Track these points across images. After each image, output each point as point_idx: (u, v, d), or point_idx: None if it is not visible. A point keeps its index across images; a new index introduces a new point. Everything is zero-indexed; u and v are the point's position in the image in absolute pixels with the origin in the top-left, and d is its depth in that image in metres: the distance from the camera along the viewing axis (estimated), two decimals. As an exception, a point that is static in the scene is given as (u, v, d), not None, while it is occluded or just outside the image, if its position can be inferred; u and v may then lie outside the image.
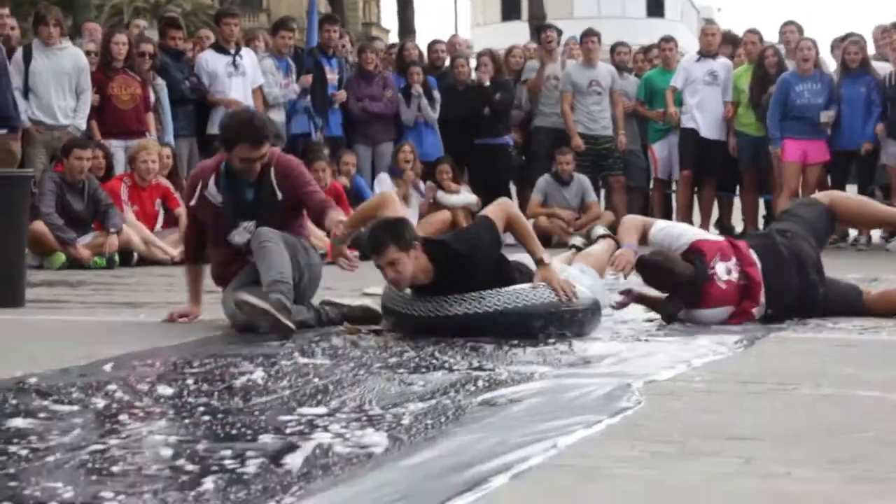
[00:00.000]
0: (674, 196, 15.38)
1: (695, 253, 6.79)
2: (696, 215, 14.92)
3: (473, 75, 15.02)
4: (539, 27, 16.17)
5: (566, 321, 6.24)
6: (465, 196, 13.99)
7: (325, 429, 3.98)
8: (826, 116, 13.35)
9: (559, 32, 15.79)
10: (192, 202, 7.01)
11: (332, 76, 14.01)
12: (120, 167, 12.21)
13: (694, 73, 14.31)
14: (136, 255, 11.30)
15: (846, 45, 13.80)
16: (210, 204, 6.85)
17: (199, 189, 6.93)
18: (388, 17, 37.55)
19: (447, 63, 15.35)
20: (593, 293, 6.54)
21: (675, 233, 7.21)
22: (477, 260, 6.29)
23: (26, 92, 12.01)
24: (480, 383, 4.84)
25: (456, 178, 14.04)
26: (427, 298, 6.29)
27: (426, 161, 14.14)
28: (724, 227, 14.73)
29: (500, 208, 6.60)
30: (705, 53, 14.56)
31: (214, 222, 6.91)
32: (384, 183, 13.74)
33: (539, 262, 6.45)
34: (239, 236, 6.37)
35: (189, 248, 7.33)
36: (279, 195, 6.79)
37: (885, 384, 4.82)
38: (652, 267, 6.80)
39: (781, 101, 13.47)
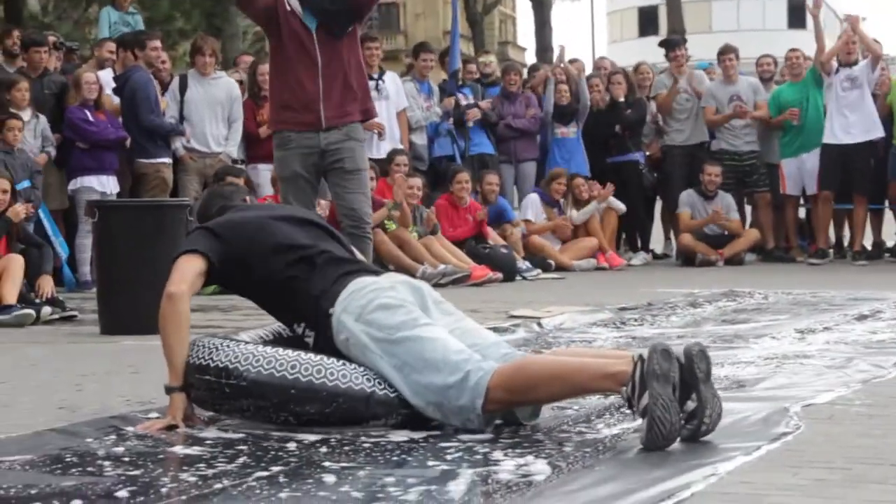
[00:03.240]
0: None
1: None
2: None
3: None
4: (667, 44, 16.00)
5: None
6: (592, 207, 13.97)
7: (485, 455, 3.97)
8: None
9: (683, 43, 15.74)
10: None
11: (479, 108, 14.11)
12: (265, 190, 12.38)
13: (838, 84, 14.05)
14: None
15: None
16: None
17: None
18: (525, 36, 37.58)
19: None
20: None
21: None
22: None
23: (181, 120, 12.26)
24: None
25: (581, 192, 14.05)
26: None
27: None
28: (875, 243, 14.52)
29: None
30: (843, 63, 14.25)
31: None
32: (534, 205, 13.81)
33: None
34: None
35: None
36: None
37: None
38: None
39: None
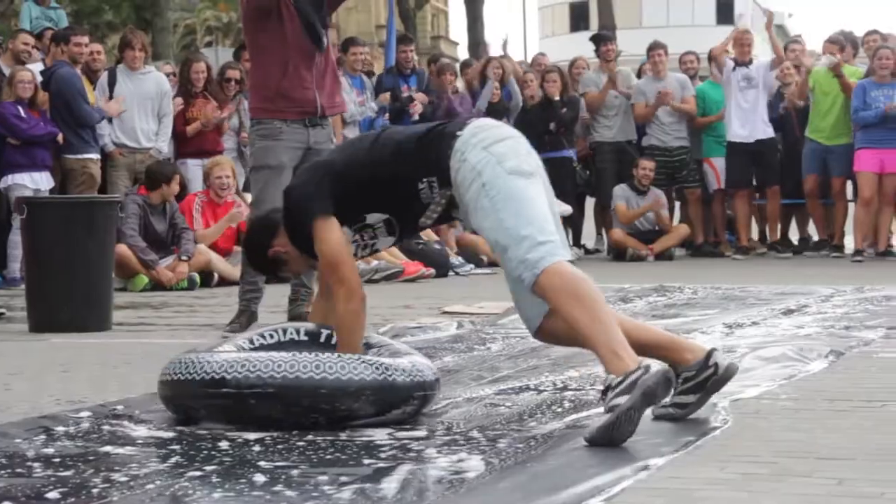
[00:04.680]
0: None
1: None
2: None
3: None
4: (597, 39, 16.11)
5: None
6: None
7: (419, 453, 3.98)
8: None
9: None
10: None
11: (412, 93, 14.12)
12: (195, 186, 12.35)
13: (737, 81, 14.26)
14: (216, 275, 11.40)
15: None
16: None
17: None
18: (457, 30, 37.61)
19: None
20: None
21: None
22: None
23: (105, 117, 12.17)
24: (566, 404, 4.84)
25: None
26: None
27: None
28: (801, 238, 14.69)
29: None
30: (740, 62, 14.44)
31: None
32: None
33: None
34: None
35: None
36: None
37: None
38: None
39: (858, 108, 13.43)
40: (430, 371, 4.61)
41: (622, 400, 4.00)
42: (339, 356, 4.54)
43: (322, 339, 4.92)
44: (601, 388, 4.19)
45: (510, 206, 4.40)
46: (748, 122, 14.15)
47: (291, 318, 7.43)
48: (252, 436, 4.24)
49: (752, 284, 10.29)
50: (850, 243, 14.19)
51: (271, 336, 5.03)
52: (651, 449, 3.97)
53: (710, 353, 4.46)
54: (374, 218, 4.82)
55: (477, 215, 4.49)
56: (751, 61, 14.46)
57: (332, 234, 4.73)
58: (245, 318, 7.47)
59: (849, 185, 14.36)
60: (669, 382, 4.13)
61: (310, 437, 4.23)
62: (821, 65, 14.23)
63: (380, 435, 4.24)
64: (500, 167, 4.44)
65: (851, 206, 14.38)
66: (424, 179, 4.61)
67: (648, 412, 4.46)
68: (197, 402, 4.49)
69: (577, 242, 15.34)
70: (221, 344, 4.94)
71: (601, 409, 4.28)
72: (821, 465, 3.73)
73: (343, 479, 3.61)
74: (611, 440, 3.98)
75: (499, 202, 4.41)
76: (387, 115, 13.80)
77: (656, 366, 4.13)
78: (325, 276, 4.89)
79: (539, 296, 4.42)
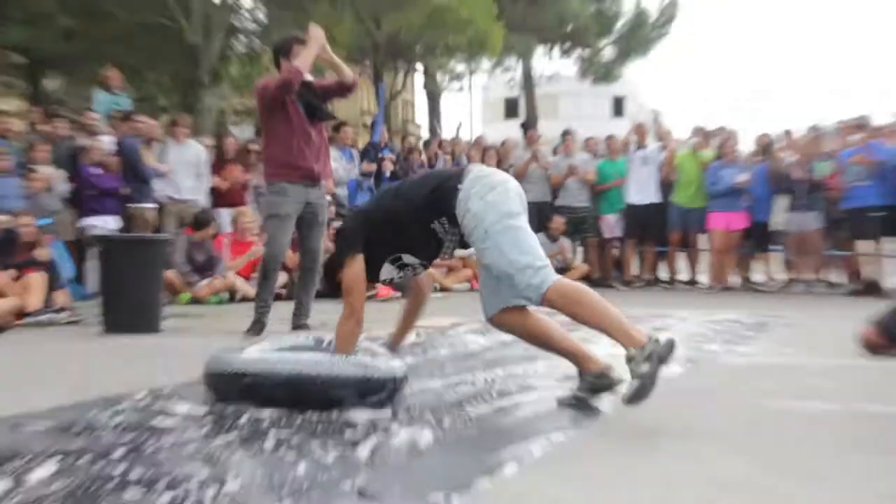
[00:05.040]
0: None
1: None
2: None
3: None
4: (524, 126, 16.31)
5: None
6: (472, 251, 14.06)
7: (386, 429, 3.99)
8: (738, 178, 13.41)
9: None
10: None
11: (389, 163, 14.16)
12: (225, 228, 12.34)
13: (635, 161, 14.41)
14: (239, 294, 11.39)
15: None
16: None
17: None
18: (421, 117, 37.67)
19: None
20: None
21: None
22: None
23: (160, 175, 12.18)
24: (493, 394, 4.84)
25: None
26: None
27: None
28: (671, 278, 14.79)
29: None
30: (640, 146, 14.60)
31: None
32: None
33: None
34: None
35: None
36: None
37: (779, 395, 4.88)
38: None
39: (711, 181, 13.60)
40: (401, 369, 4.59)
41: (645, 367, 4.02)
42: (332, 357, 4.54)
43: (323, 345, 4.91)
44: (624, 357, 4.14)
45: (508, 242, 4.35)
46: (642, 190, 14.26)
47: (294, 328, 7.44)
48: (265, 413, 4.24)
49: (632, 308, 10.31)
50: (703, 279, 14.32)
51: (286, 340, 5.05)
52: (554, 426, 4.00)
53: (608, 366, 4.52)
54: (409, 259, 4.78)
55: (484, 254, 4.44)
56: (646, 146, 14.61)
57: (353, 270, 4.69)
58: (258, 326, 7.47)
59: (702, 238, 14.48)
60: (673, 349, 4.09)
61: (307, 415, 4.23)
62: (686, 149, 14.40)
63: (359, 415, 4.23)
64: (496, 212, 4.38)
65: (704, 254, 14.51)
66: (436, 220, 4.55)
67: (553, 399, 4.53)
68: (229, 387, 4.48)
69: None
70: (249, 347, 4.94)
71: (518, 398, 4.31)
72: (684, 440, 3.78)
73: (329, 446, 3.63)
74: (642, 398, 4.02)
75: (499, 241, 4.36)
76: (371, 178, 13.85)
77: (664, 337, 4.13)
78: (343, 296, 4.81)
79: (549, 308, 4.39)
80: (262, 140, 8.13)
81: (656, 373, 4.05)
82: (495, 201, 4.42)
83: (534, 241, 4.43)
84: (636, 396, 4.04)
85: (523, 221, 4.47)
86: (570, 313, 4.37)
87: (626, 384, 4.15)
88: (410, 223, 4.63)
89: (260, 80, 8.05)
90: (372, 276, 4.81)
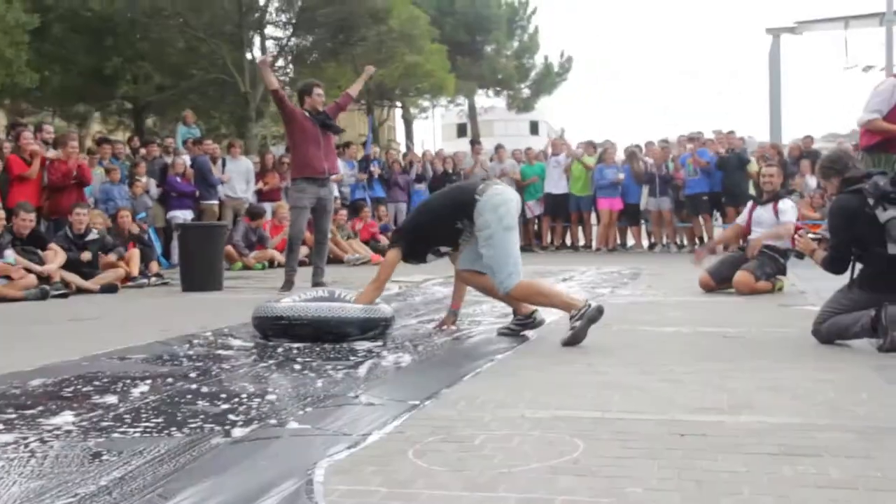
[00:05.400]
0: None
1: None
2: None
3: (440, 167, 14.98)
4: (471, 142, 16.23)
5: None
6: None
7: (378, 353, 3.93)
8: (616, 176, 13.40)
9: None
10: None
11: (375, 169, 13.96)
12: (267, 216, 12.15)
13: (550, 164, 14.28)
14: (276, 262, 11.23)
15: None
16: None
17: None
18: (400, 136, 37.56)
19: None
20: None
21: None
22: None
23: (221, 182, 12.02)
24: (453, 328, 4.75)
25: None
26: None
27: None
28: (572, 243, 14.71)
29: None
30: (556, 153, 14.39)
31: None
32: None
33: None
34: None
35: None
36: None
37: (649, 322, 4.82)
38: None
39: (597, 178, 13.57)
40: (390, 311, 4.52)
41: (578, 323, 4.05)
42: (342, 304, 4.39)
43: (336, 296, 4.75)
44: (571, 315, 4.12)
45: (501, 250, 4.28)
46: (555, 185, 14.05)
47: (313, 285, 7.32)
48: (295, 345, 4.17)
49: (547, 266, 10.32)
50: (594, 244, 14.31)
51: (310, 293, 4.91)
52: (496, 350, 3.96)
53: (533, 312, 4.47)
54: (445, 249, 4.61)
55: (483, 248, 4.32)
56: (558, 154, 14.39)
57: (391, 258, 4.54)
58: (288, 284, 7.33)
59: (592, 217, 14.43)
60: (600, 312, 4.08)
61: (324, 346, 4.16)
62: (578, 155, 14.26)
63: (359, 345, 4.17)
64: (500, 225, 4.29)
65: (594, 227, 14.47)
66: (459, 221, 4.41)
67: (494, 331, 4.47)
68: (269, 327, 4.39)
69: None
70: (283, 298, 4.83)
71: (469, 331, 4.25)
72: (581, 356, 3.74)
73: (338, 366, 3.57)
74: (574, 343, 4.02)
75: (495, 246, 4.28)
76: (365, 181, 13.68)
77: (594, 303, 4.13)
78: (379, 269, 4.61)
79: (512, 297, 4.35)
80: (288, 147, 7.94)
81: (586, 327, 4.05)
82: (501, 215, 4.31)
83: (516, 250, 4.35)
84: (570, 342, 4.04)
85: (515, 234, 4.37)
86: (529, 302, 4.38)
87: (567, 333, 4.09)
88: (440, 226, 4.49)
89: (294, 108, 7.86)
90: (420, 260, 4.65)
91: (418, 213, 4.76)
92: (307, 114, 7.29)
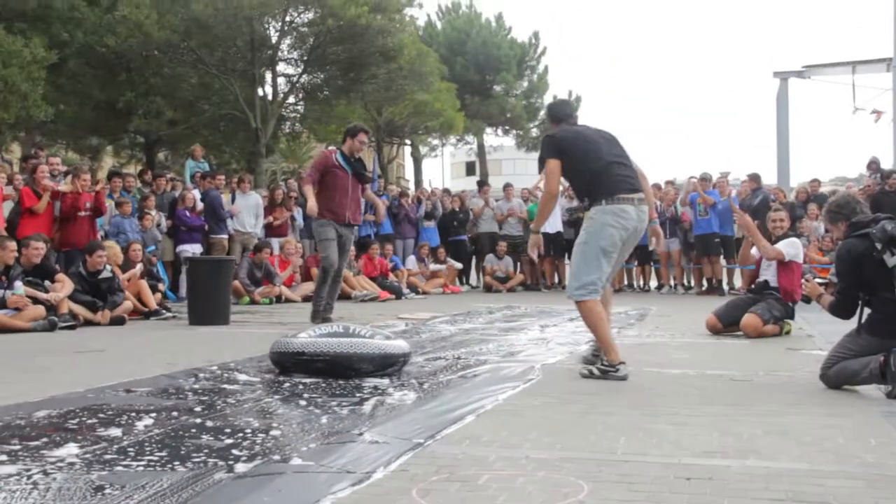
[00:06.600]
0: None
1: None
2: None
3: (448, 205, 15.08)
4: (479, 182, 16.25)
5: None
6: (444, 266, 14.06)
7: (384, 391, 3.93)
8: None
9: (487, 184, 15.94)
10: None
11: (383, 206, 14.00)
12: (276, 251, 12.19)
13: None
14: (283, 297, 11.24)
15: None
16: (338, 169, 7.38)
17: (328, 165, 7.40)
18: (408, 172, 37.66)
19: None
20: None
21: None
22: None
23: (231, 215, 12.08)
24: (459, 365, 4.78)
25: (437, 255, 14.10)
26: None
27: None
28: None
29: None
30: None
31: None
32: (411, 261, 13.81)
33: None
34: None
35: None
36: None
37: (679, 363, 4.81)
38: None
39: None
40: (407, 347, 4.54)
41: (598, 372, 4.25)
42: (362, 340, 4.36)
43: (350, 331, 4.61)
44: (602, 357, 4.32)
45: (588, 259, 4.35)
46: (550, 225, 14.10)
47: (322, 321, 7.32)
48: (302, 381, 4.16)
49: (553, 305, 10.31)
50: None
51: (325, 328, 4.89)
52: (500, 389, 3.93)
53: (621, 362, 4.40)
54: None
55: (575, 252, 4.43)
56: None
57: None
58: (319, 317, 7.34)
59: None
60: (622, 380, 4.17)
61: (329, 382, 4.14)
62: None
63: (365, 382, 4.16)
64: (595, 239, 4.35)
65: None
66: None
67: (499, 369, 4.43)
68: (288, 362, 4.38)
69: (467, 282, 15.30)
70: (300, 334, 4.81)
71: (475, 369, 4.23)
72: (584, 397, 3.71)
73: (343, 403, 3.56)
74: (583, 375, 4.28)
75: (587, 254, 4.36)
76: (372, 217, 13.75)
77: (625, 371, 4.23)
78: None
79: (578, 310, 4.44)
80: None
81: (600, 378, 4.21)
82: (598, 232, 4.35)
83: (606, 268, 4.37)
84: (581, 370, 4.28)
85: (608, 255, 4.36)
86: (587, 322, 4.43)
87: (585, 368, 4.34)
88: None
89: (325, 151, 8.06)
90: None
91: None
92: (339, 160, 7.43)
